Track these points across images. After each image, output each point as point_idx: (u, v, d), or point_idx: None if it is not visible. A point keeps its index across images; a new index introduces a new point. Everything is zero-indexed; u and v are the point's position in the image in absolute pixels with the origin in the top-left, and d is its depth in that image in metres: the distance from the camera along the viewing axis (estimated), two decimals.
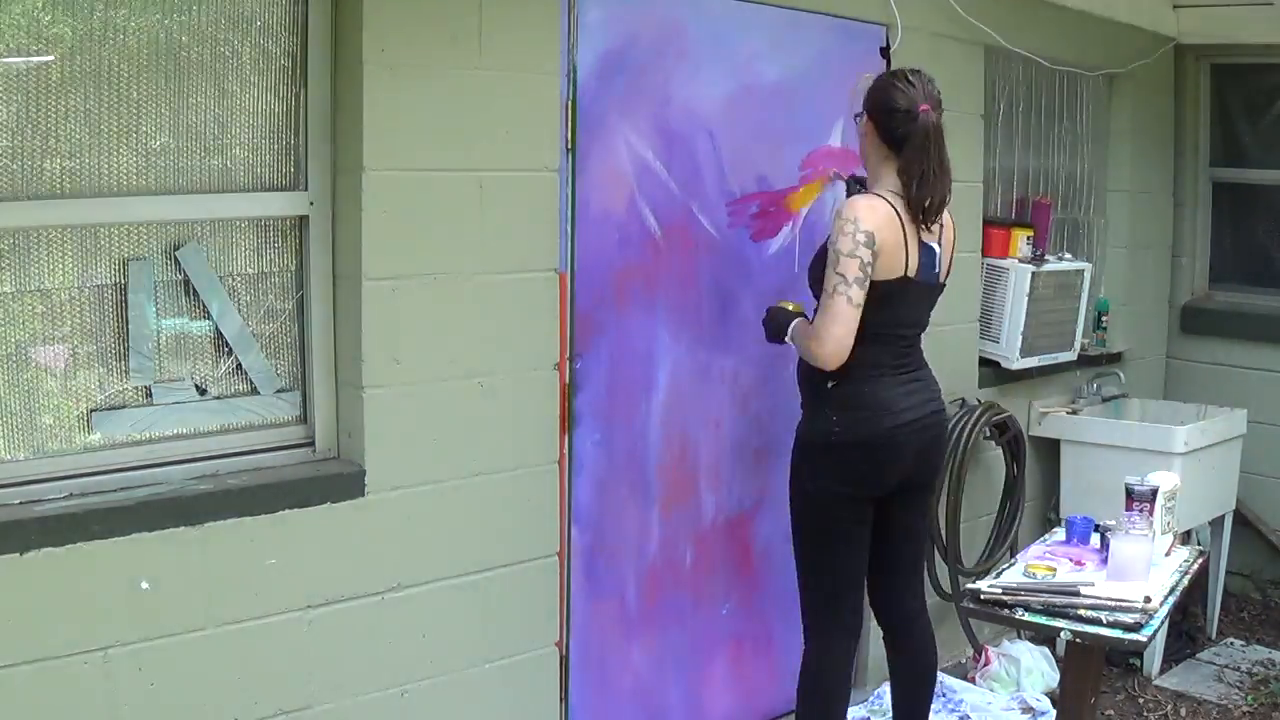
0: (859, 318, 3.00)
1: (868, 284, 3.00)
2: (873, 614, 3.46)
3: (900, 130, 3.06)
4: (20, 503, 2.52)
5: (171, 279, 2.78)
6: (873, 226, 3.01)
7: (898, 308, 3.12)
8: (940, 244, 3.21)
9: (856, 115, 3.23)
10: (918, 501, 3.35)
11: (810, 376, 3.18)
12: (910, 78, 3.11)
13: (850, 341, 3.01)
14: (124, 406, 2.73)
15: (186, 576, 2.65)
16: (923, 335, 3.29)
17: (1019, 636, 4.54)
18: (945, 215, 3.22)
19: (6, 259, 2.55)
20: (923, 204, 3.08)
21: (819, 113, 3.85)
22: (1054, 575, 3.08)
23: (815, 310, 3.10)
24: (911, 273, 3.10)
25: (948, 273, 3.30)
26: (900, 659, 3.42)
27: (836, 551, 3.22)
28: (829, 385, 3.12)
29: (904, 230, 3.07)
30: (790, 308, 3.31)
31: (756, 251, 3.75)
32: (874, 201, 3.06)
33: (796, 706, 3.31)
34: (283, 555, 2.79)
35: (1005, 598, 2.98)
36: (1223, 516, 4.92)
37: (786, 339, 3.23)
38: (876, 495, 3.19)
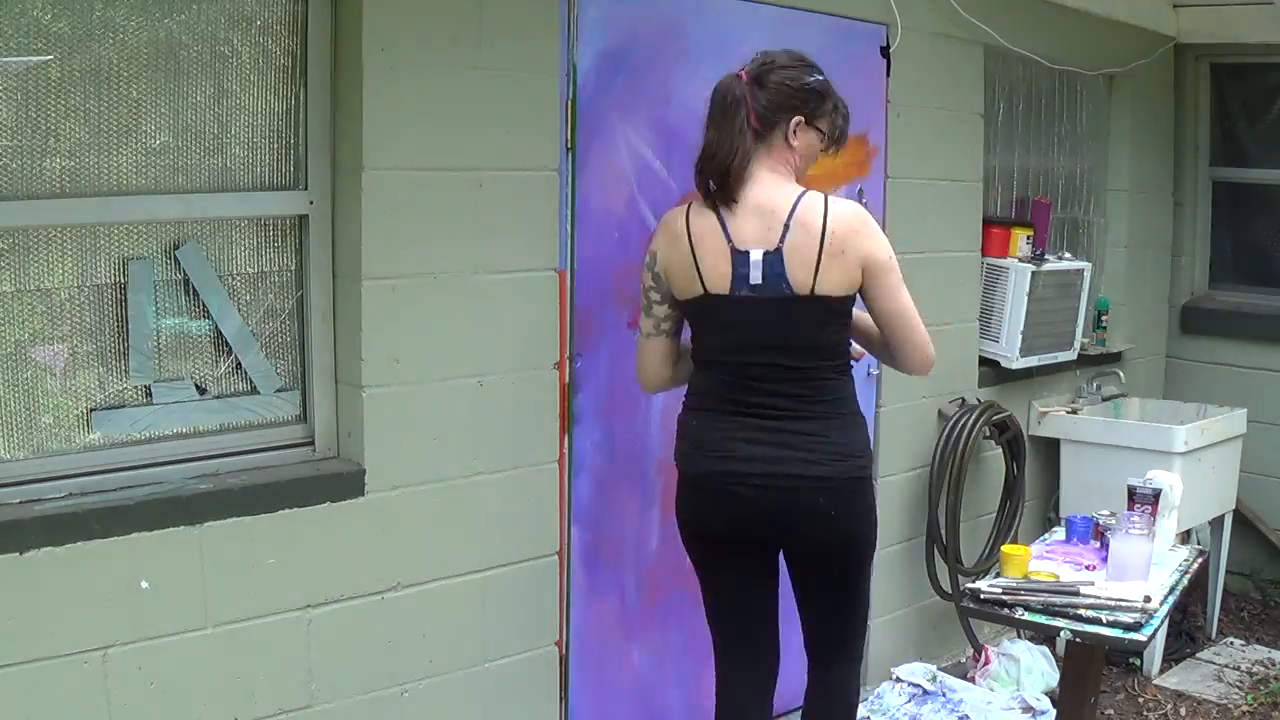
0: (663, 348, 2.86)
1: (662, 309, 2.80)
2: None
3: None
4: (20, 502, 2.52)
5: (171, 279, 2.78)
6: (656, 243, 2.78)
7: (720, 332, 2.71)
8: (782, 246, 2.60)
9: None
10: (810, 566, 2.83)
11: None
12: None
13: (655, 374, 2.89)
14: (124, 406, 2.73)
15: (186, 576, 2.65)
16: (803, 369, 2.67)
17: (1019, 636, 4.54)
18: (812, 216, 2.61)
19: (6, 259, 2.55)
20: (707, 188, 2.66)
21: None
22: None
23: None
24: (720, 289, 2.65)
25: (816, 282, 2.61)
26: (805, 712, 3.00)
27: (709, 591, 2.95)
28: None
29: (690, 241, 2.67)
30: None
31: None
32: (675, 211, 2.79)
33: None
34: (282, 555, 2.79)
35: (1005, 597, 2.98)
36: (1223, 516, 4.92)
37: None
38: (720, 539, 2.83)
